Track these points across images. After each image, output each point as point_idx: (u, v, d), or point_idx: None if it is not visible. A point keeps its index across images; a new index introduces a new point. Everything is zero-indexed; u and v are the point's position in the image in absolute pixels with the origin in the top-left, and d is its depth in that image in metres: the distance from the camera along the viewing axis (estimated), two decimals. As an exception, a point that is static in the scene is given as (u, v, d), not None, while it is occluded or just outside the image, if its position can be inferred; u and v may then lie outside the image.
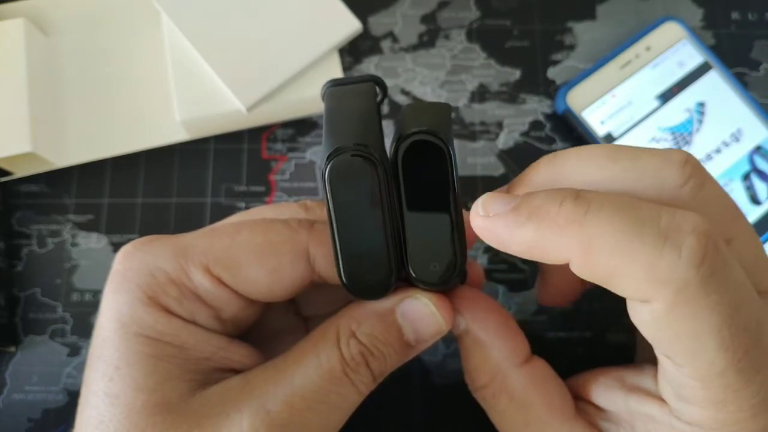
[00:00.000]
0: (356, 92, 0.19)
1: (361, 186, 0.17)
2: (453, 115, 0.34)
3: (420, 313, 0.20)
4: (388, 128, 0.33)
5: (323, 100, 0.19)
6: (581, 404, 0.21)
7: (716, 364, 0.15)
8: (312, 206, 0.23)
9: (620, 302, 0.17)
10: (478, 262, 0.21)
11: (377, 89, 0.19)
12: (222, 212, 0.32)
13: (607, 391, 0.21)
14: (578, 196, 0.16)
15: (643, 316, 0.16)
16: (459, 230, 0.18)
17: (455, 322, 0.21)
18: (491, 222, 0.17)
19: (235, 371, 0.20)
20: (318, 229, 0.20)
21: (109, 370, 0.19)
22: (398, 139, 0.18)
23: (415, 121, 0.18)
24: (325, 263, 0.20)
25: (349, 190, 0.17)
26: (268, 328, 0.24)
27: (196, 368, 0.19)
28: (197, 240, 0.20)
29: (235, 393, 0.19)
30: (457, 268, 0.19)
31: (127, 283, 0.19)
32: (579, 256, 0.16)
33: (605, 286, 0.16)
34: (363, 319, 0.20)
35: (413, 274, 0.19)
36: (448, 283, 0.19)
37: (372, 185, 0.17)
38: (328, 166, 0.17)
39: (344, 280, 0.19)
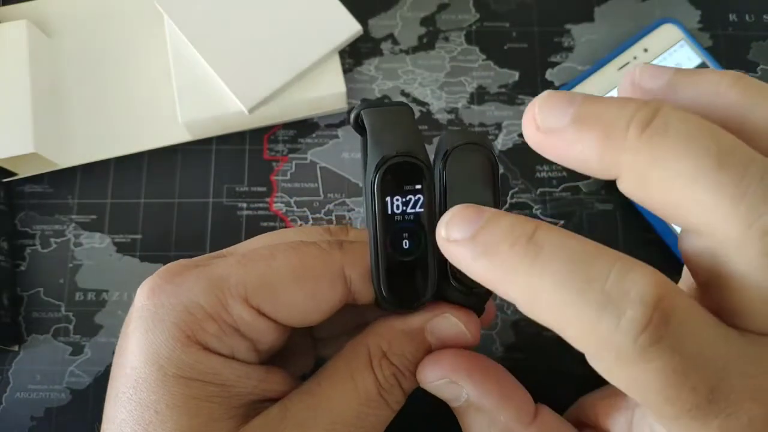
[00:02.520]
0: (395, 111, 0.20)
1: (410, 203, 0.18)
2: (452, 116, 0.34)
3: (449, 332, 0.19)
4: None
5: (357, 119, 0.20)
6: None
7: (665, 413, 0.14)
8: (335, 230, 0.23)
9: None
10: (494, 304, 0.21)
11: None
12: (224, 212, 0.33)
13: (609, 413, 0.20)
14: (531, 238, 0.15)
15: (592, 364, 0.15)
16: None
17: (455, 395, 0.20)
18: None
19: (271, 399, 0.20)
20: (349, 250, 0.20)
21: (147, 414, 0.18)
22: (445, 153, 0.18)
23: (460, 137, 0.19)
24: (361, 283, 0.20)
25: (399, 207, 0.18)
26: (282, 348, 0.23)
27: (238, 404, 0.19)
28: (231, 269, 0.19)
29: (276, 424, 0.19)
30: None
31: (160, 322, 0.18)
32: (524, 303, 0.15)
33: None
34: (393, 339, 0.20)
35: (456, 285, 0.19)
36: (490, 293, 0.19)
37: (421, 202, 0.18)
38: (377, 175, 0.18)
39: (384, 294, 0.19)
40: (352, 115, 0.20)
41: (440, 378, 0.19)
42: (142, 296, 0.19)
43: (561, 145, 0.15)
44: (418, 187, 0.18)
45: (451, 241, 0.16)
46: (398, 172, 0.18)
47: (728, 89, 0.15)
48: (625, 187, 0.15)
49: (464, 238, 0.15)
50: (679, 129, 0.14)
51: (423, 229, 0.18)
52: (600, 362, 0.14)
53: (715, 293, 0.15)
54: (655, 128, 0.14)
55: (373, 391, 0.19)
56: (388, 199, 0.18)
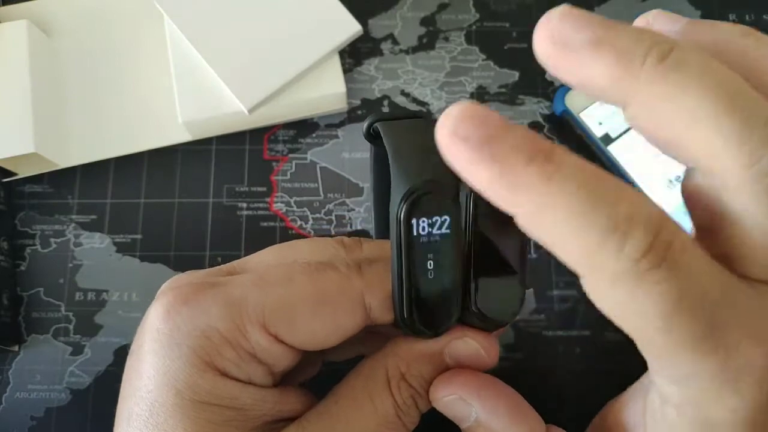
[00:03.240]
0: (414, 125, 0.19)
1: (436, 225, 0.18)
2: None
3: (469, 355, 0.19)
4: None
5: (370, 129, 0.19)
6: None
7: (657, 343, 0.14)
8: (349, 243, 0.22)
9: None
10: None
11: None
12: (224, 212, 0.33)
13: (620, 414, 0.20)
14: (549, 157, 0.14)
15: (586, 286, 0.15)
16: (524, 263, 0.19)
17: (465, 414, 0.19)
18: None
19: (286, 419, 0.20)
20: (368, 273, 0.20)
21: None
22: None
23: None
24: (381, 308, 0.20)
25: (424, 229, 0.18)
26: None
27: (254, 426, 0.19)
28: (248, 291, 0.19)
29: None
30: (522, 303, 0.19)
31: (177, 347, 0.18)
32: (525, 217, 0.14)
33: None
34: (412, 361, 0.19)
35: (486, 313, 0.19)
36: (515, 317, 0.19)
37: (447, 224, 0.18)
38: (403, 206, 0.17)
39: (407, 320, 0.19)
40: (365, 126, 0.20)
41: (450, 394, 0.19)
42: (156, 318, 0.19)
43: (574, 64, 0.15)
44: (447, 217, 0.18)
45: (456, 135, 0.14)
46: (424, 202, 0.17)
47: (741, 38, 0.16)
48: (631, 116, 0.15)
49: (472, 137, 0.14)
50: (694, 66, 0.14)
51: (448, 254, 0.18)
52: (596, 284, 0.14)
53: (714, 238, 0.15)
54: (671, 62, 0.14)
55: (392, 412, 0.19)
56: (413, 221, 0.18)
